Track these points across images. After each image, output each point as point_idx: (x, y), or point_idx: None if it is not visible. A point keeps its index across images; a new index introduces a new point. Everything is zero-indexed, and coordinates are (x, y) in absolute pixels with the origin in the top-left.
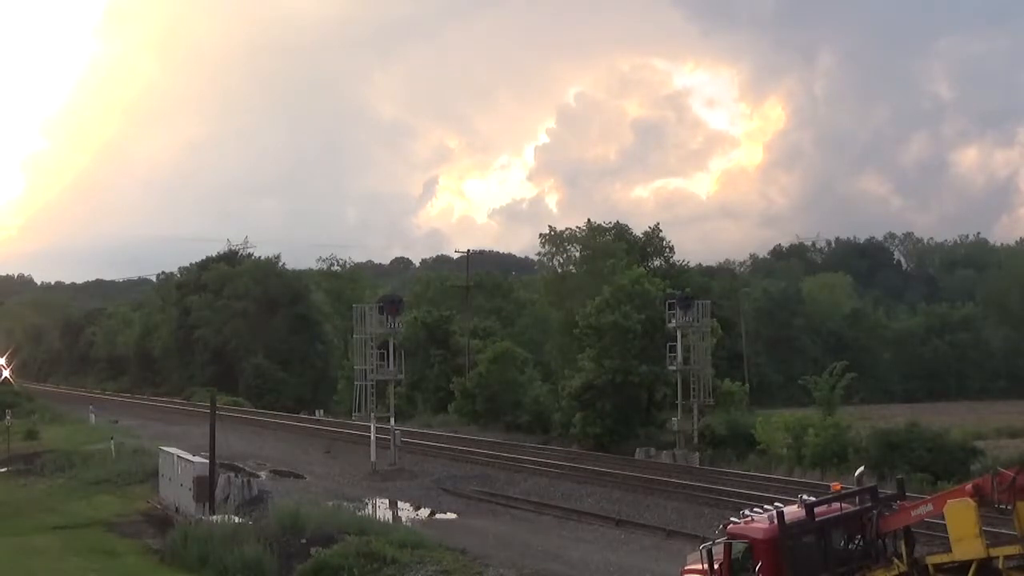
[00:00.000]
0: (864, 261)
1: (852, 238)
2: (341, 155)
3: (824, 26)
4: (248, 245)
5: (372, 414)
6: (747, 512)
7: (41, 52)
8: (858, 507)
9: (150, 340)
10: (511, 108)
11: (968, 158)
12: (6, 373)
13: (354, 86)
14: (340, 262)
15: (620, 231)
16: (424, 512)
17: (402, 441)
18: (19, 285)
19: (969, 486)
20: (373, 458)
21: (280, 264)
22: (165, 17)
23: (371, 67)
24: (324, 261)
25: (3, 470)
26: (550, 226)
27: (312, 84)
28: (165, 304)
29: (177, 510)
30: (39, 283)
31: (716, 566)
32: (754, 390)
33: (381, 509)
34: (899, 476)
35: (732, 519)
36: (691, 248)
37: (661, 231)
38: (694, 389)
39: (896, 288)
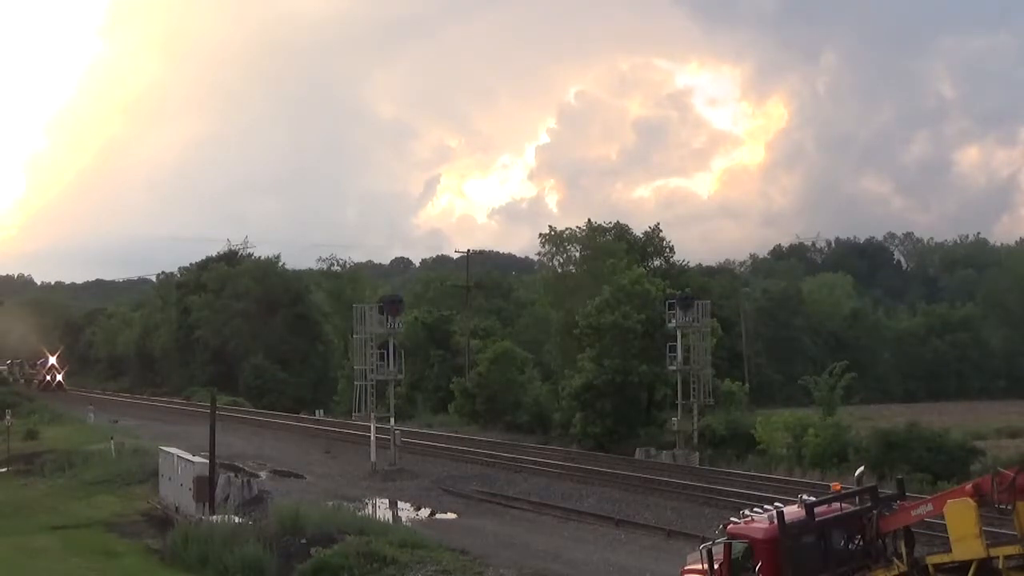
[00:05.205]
0: (864, 261)
1: (852, 238)
2: (341, 155)
3: (827, 25)
4: (248, 245)
5: (372, 414)
6: (747, 512)
7: (42, 52)
8: (858, 507)
9: (150, 340)
10: (512, 107)
11: (969, 157)
12: (59, 377)
13: (354, 86)
14: (340, 262)
15: (620, 231)
16: (424, 512)
17: (402, 441)
18: (19, 285)
19: (969, 486)
20: (373, 458)
21: (280, 264)
22: (166, 17)
23: (371, 67)
24: (324, 261)
25: (3, 470)
26: (550, 226)
27: (312, 84)
28: (165, 304)
29: (177, 510)
30: (39, 283)
31: (716, 566)
32: (754, 390)
33: (381, 509)
34: (899, 476)
35: (732, 519)
36: (691, 248)
37: (661, 231)
38: (694, 389)
39: (896, 288)
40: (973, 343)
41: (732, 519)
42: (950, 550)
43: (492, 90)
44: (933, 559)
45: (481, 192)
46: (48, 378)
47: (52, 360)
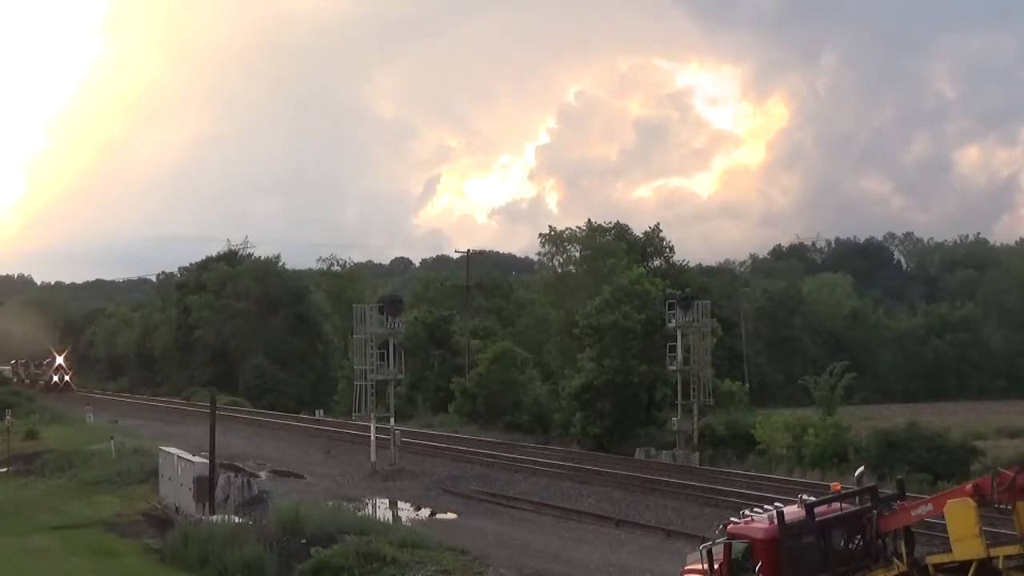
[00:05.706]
0: (864, 261)
1: (852, 238)
2: (341, 155)
3: (827, 25)
4: (248, 245)
5: (372, 414)
6: (747, 512)
7: (42, 51)
8: (858, 507)
9: (150, 340)
10: (511, 107)
11: (970, 157)
12: (67, 377)
13: (354, 86)
14: (340, 262)
15: (620, 231)
16: (424, 512)
17: (402, 441)
18: (19, 285)
19: (969, 486)
20: (373, 458)
21: (280, 264)
22: (166, 17)
23: (371, 67)
24: (324, 261)
25: (3, 470)
26: (550, 226)
27: (312, 84)
28: (165, 304)
29: (177, 510)
30: (39, 283)
31: (716, 566)
32: (754, 390)
33: (381, 509)
34: (899, 476)
35: (732, 519)
36: (692, 248)
37: (661, 231)
38: (694, 389)
39: (896, 288)
40: (973, 343)
41: (732, 519)
42: (950, 550)
43: (492, 90)
44: (933, 559)
45: (481, 192)
46: (55, 379)
47: (59, 360)
